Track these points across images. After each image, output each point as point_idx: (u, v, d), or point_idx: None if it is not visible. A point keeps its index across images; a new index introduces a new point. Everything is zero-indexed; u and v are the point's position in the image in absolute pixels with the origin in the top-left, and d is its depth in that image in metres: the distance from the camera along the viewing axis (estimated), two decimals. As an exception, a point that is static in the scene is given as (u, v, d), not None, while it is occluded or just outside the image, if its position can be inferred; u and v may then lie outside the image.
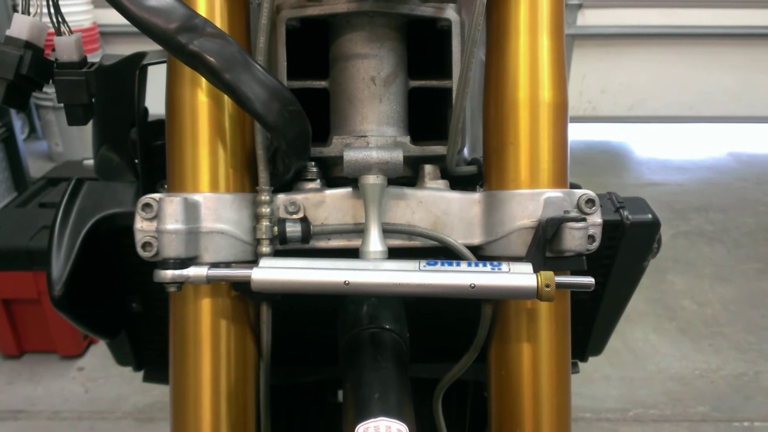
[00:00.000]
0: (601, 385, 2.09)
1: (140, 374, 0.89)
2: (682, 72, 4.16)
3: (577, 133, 4.37)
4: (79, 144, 3.68)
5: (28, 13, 0.59)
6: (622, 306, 0.83)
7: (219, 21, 0.58)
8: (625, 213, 0.73)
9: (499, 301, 0.60)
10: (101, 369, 2.15)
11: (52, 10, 0.60)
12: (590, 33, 4.05)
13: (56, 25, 0.60)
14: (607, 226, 0.71)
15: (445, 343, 0.71)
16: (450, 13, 0.62)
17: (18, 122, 3.10)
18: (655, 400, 2.05)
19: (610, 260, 0.76)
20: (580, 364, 0.92)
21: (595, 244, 0.59)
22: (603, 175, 3.82)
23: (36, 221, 2.10)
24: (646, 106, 4.27)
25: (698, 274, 2.75)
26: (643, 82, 4.20)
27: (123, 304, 0.77)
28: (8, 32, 0.58)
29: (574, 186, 0.64)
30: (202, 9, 0.57)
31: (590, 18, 4.03)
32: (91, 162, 0.88)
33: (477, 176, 0.66)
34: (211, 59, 0.51)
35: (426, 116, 0.69)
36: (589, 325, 0.85)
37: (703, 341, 2.33)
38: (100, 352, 2.22)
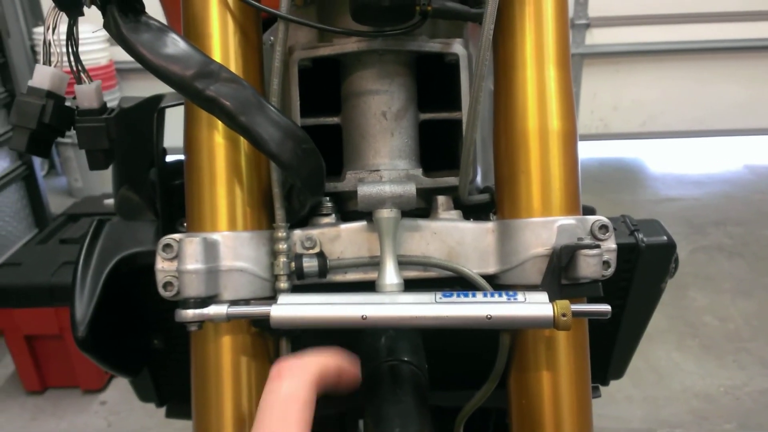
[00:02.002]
0: (625, 406, 2.07)
1: (162, 408, 0.89)
2: (693, 87, 4.16)
3: (591, 151, 4.37)
4: (98, 179, 3.74)
5: (50, 64, 0.61)
6: (641, 329, 0.83)
7: (234, 65, 0.59)
8: (640, 236, 0.73)
9: (516, 330, 0.61)
10: (123, 402, 2.16)
11: (72, 60, 0.62)
12: (599, 51, 4.07)
13: (76, 74, 0.62)
14: (622, 249, 0.71)
15: (465, 371, 0.71)
16: (457, 47, 0.64)
17: (38, 160, 3.16)
18: (680, 419, 2.02)
19: (627, 283, 0.76)
20: (602, 386, 0.91)
21: (611, 270, 0.59)
22: (618, 192, 3.81)
23: (57, 257, 2.13)
24: (658, 121, 4.26)
25: (719, 289, 2.72)
26: (654, 98, 4.20)
27: (145, 342, 0.78)
28: (30, 83, 0.60)
29: (587, 210, 0.64)
30: (217, 55, 0.59)
31: (598, 37, 4.05)
32: (111, 201, 0.90)
33: (490, 204, 0.67)
34: (227, 103, 0.53)
35: (439, 147, 0.70)
36: (609, 349, 0.84)
37: (727, 357, 2.30)
38: (122, 385, 2.23)
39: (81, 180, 3.82)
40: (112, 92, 3.57)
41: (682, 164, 4.24)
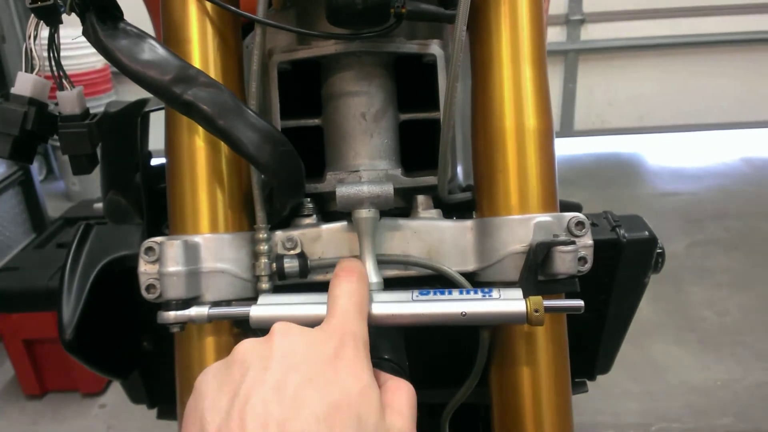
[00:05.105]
0: (622, 400, 2.07)
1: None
2: (688, 80, 4.16)
3: (587, 147, 4.37)
4: (96, 183, 3.73)
5: (32, 71, 0.62)
6: (626, 323, 0.83)
7: (213, 70, 0.60)
8: (622, 231, 0.74)
9: (496, 326, 0.61)
10: (122, 405, 2.16)
11: (54, 66, 0.63)
12: (594, 47, 4.07)
13: (58, 80, 0.63)
14: (604, 245, 0.72)
15: (449, 368, 0.72)
16: (434, 48, 0.64)
17: (35, 164, 3.17)
18: (677, 413, 2.03)
19: (610, 279, 0.77)
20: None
21: (587, 266, 0.60)
22: (615, 187, 3.81)
23: (54, 261, 2.14)
24: (654, 116, 4.26)
25: (716, 282, 2.73)
26: (650, 92, 4.20)
27: (134, 344, 0.78)
28: (13, 90, 0.61)
29: (572, 206, 0.65)
30: (196, 60, 0.60)
31: (593, 32, 4.06)
32: (100, 205, 0.91)
33: (472, 202, 0.68)
34: (205, 107, 0.54)
35: (421, 147, 0.71)
36: (596, 344, 0.85)
37: (724, 351, 2.30)
38: (120, 388, 2.24)
39: (79, 184, 3.82)
40: (108, 96, 3.57)
41: (679, 158, 4.24)
